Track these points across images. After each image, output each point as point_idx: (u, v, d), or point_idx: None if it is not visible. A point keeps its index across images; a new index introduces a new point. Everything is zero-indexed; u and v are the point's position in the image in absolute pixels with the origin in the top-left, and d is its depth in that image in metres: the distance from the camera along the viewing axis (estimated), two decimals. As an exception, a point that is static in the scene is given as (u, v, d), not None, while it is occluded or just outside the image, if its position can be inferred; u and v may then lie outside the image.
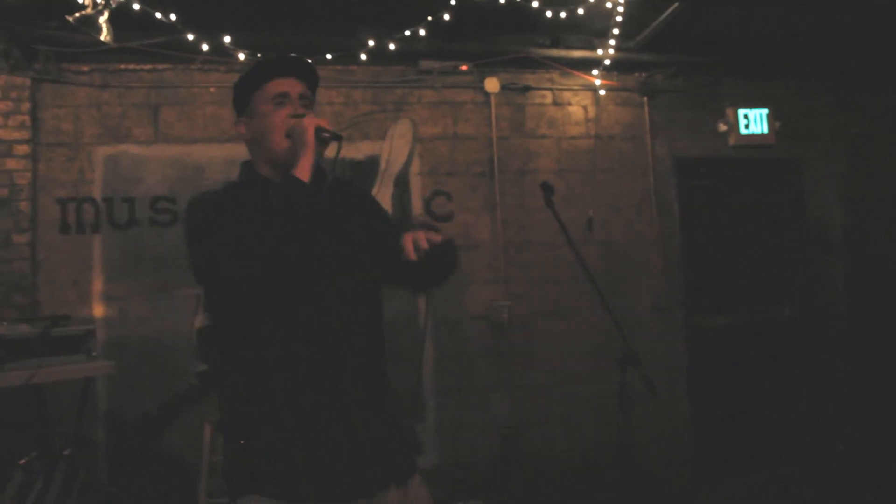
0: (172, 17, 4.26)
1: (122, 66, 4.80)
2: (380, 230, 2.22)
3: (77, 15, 4.01)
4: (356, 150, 5.06)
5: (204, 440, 4.38)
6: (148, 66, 4.82)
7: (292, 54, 2.15)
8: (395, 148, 5.13)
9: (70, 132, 4.72)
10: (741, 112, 5.71)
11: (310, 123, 1.98)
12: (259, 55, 4.60)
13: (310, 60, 2.18)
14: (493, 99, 5.29)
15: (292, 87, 2.09)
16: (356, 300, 2.07)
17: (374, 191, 5.04)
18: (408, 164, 5.15)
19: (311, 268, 1.96)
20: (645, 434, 5.12)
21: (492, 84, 5.23)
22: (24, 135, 4.61)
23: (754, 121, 5.73)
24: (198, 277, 2.00)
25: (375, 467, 1.95)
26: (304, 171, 1.93)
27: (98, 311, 4.67)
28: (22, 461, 3.33)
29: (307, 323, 1.97)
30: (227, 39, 4.49)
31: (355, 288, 2.08)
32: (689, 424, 5.61)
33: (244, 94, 2.14)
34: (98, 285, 4.70)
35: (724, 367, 5.85)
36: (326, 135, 2.02)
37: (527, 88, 5.38)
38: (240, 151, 4.93)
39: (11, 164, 4.59)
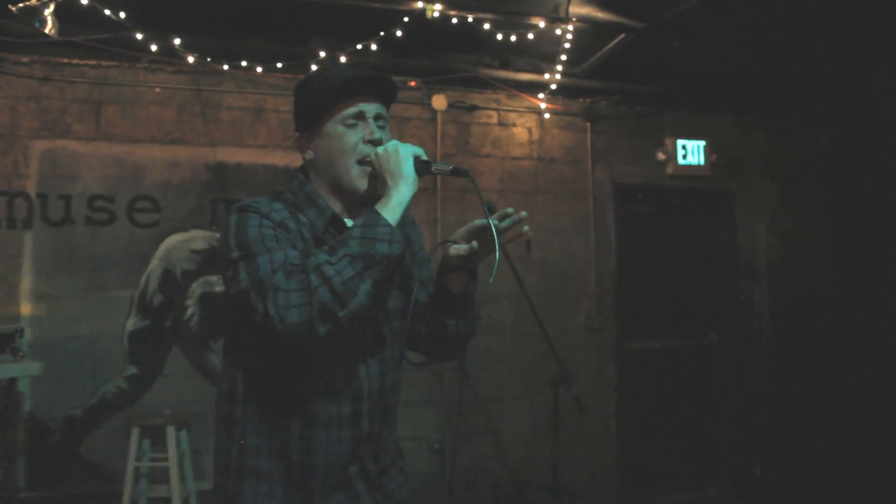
0: (121, 14, 4.19)
1: (65, 60, 4.70)
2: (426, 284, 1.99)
3: (21, 5, 3.91)
4: (301, 159, 5.03)
5: (130, 446, 4.30)
6: (92, 62, 4.73)
7: (374, 73, 1.85)
8: (340, 159, 5.11)
9: (6, 123, 4.60)
10: (680, 142, 5.88)
11: (406, 152, 1.69)
12: (209, 59, 4.57)
13: (389, 77, 1.88)
14: (439, 116, 5.34)
15: (370, 106, 1.81)
16: (393, 365, 1.87)
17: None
18: (352, 175, 5.14)
19: (366, 327, 1.75)
20: (573, 453, 5.22)
21: (439, 101, 5.29)
22: (-42, 124, 4.48)
23: (692, 151, 5.91)
24: (232, 302, 1.68)
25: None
26: (394, 209, 1.65)
27: (25, 309, 4.55)
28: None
29: (336, 380, 1.75)
30: (177, 41, 4.44)
31: (396, 352, 1.87)
32: (616, 445, 5.73)
33: (312, 109, 1.83)
34: (27, 283, 4.58)
35: (651, 389, 6.00)
36: (444, 170, 1.76)
37: (473, 108, 5.45)
38: (182, 154, 4.95)
39: (-58, 153, 4.45)
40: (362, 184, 1.78)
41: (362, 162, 1.76)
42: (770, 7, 4.46)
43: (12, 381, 3.88)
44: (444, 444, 5.19)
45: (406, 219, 1.93)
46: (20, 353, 3.63)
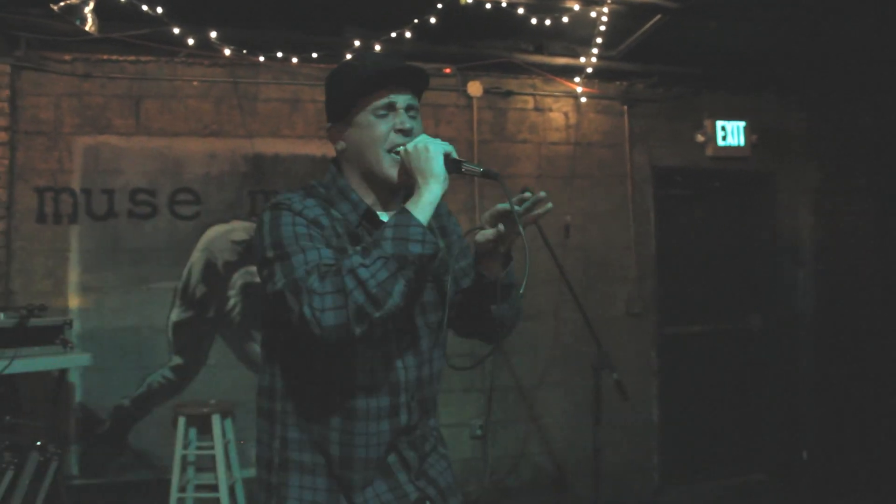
0: (159, 9, 4.24)
1: (105, 57, 4.77)
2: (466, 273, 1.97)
3: (62, 4, 3.97)
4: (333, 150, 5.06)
5: (177, 434, 4.38)
6: (131, 58, 4.80)
7: (405, 64, 1.83)
8: (376, 148, 5.13)
9: (50, 121, 4.69)
10: (719, 124, 5.79)
11: (436, 150, 1.68)
12: (245, 52, 4.60)
13: (419, 68, 1.87)
14: (475, 102, 5.32)
15: (400, 97, 1.79)
16: (430, 357, 1.87)
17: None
18: (389, 164, 5.15)
19: (401, 321, 1.75)
20: (614, 438, 5.19)
21: (475, 88, 5.27)
22: (3, 122, 4.57)
23: (731, 133, 5.82)
24: (268, 302, 1.70)
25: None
26: (425, 208, 1.63)
27: (73, 302, 4.66)
28: (-7, 451, 3.31)
29: (373, 374, 1.75)
30: (213, 34, 4.48)
31: (433, 344, 1.87)
32: (658, 430, 5.69)
33: (342, 102, 1.82)
34: (74, 276, 4.68)
35: (693, 373, 5.95)
36: (475, 170, 1.74)
37: (509, 93, 5.43)
38: (221, 146, 5.00)
39: (-12, 151, 4.55)
40: (394, 173, 1.77)
41: (392, 150, 1.76)
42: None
43: (63, 373, 3.97)
44: (485, 430, 5.21)
45: (440, 209, 1.92)
46: (70, 345, 3.70)
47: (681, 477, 5.78)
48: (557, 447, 5.36)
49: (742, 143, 5.84)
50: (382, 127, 1.76)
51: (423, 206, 1.63)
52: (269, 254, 1.66)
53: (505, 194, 1.68)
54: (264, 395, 1.83)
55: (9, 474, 3.36)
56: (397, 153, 1.75)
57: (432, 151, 1.67)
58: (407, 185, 1.76)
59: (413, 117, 1.81)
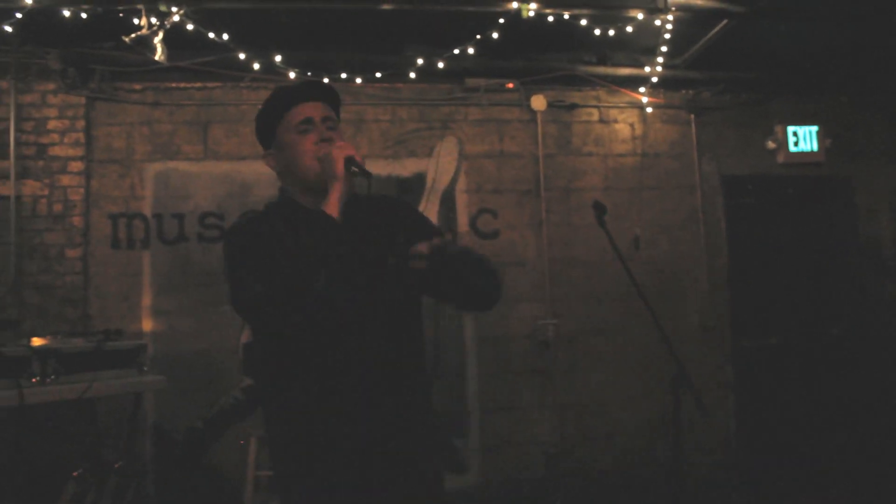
0: (225, 36, 4.32)
1: (174, 85, 4.89)
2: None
3: (133, 35, 4.09)
4: (402, 168, 5.09)
5: (249, 454, 4.40)
6: (198, 84, 4.90)
7: (310, 80, 2.20)
8: (441, 165, 5.14)
9: (122, 149, 4.82)
10: (790, 129, 5.62)
11: (339, 154, 1.91)
12: (309, 73, 4.65)
13: (326, 80, 2.16)
14: (539, 116, 5.28)
15: (315, 110, 2.02)
16: (391, 326, 2.00)
17: (420, 208, 5.06)
18: (454, 181, 5.16)
19: (345, 301, 1.86)
20: (690, 455, 5.04)
21: (538, 102, 5.23)
22: (79, 152, 4.73)
23: (804, 138, 5.64)
24: (235, 306, 1.94)
25: (397, 489, 1.95)
26: (333, 206, 1.89)
27: (147, 325, 4.75)
28: (75, 473, 3.37)
29: (343, 350, 1.91)
30: (277, 58, 4.54)
31: (391, 314, 2.00)
32: (735, 447, 5.51)
33: (267, 127, 2.09)
34: (147, 300, 4.77)
35: (770, 387, 5.74)
36: (356, 170, 1.94)
37: (573, 106, 5.37)
38: None
39: (66, 180, 4.70)
40: (321, 179, 1.95)
41: (319, 160, 1.96)
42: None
43: (138, 395, 4.03)
44: (558, 447, 5.11)
45: (382, 203, 2.16)
46: (145, 368, 3.76)
47: (761, 494, 5.57)
48: (631, 463, 5.23)
49: (815, 147, 5.65)
50: (305, 143, 1.99)
51: (331, 203, 1.90)
52: (226, 270, 1.97)
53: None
54: (265, 403, 2.11)
55: (91, 495, 3.42)
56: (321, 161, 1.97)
57: (334, 157, 1.91)
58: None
59: (331, 128, 2.02)
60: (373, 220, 2.05)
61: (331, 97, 2.10)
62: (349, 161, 1.92)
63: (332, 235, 1.85)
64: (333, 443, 1.90)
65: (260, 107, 2.12)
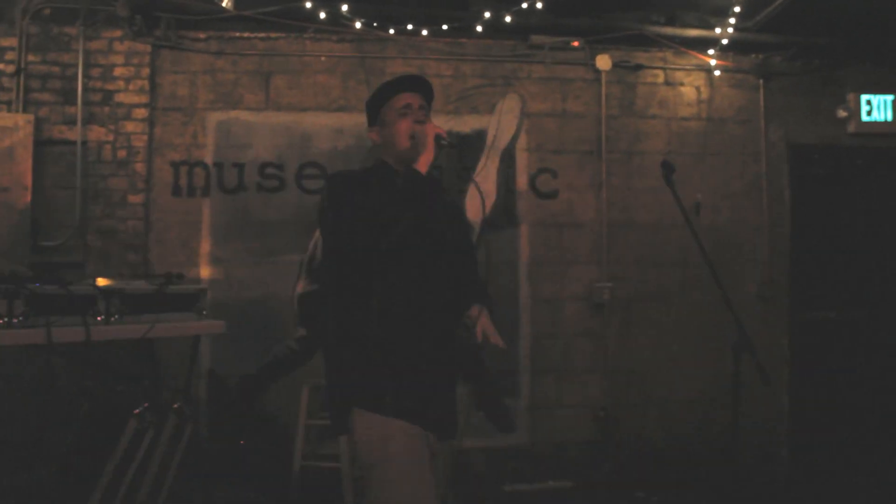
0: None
1: (237, 34, 4.89)
2: (462, 239, 2.70)
3: (200, -19, 4.09)
4: (463, 124, 5.04)
5: (301, 403, 4.46)
6: (262, 35, 4.90)
7: (412, 74, 2.66)
8: (502, 123, 5.08)
9: (185, 97, 4.85)
10: (864, 98, 5.43)
11: (430, 130, 2.41)
12: (375, 25, 4.60)
13: (427, 80, 2.61)
14: (603, 76, 5.18)
15: (413, 99, 2.53)
16: (445, 270, 2.50)
17: (480, 165, 5.02)
18: (514, 139, 5.10)
19: (416, 239, 2.36)
20: (742, 428, 4.97)
21: (603, 61, 5.12)
22: (143, 99, 4.77)
23: (878, 107, 5.45)
24: (332, 242, 2.43)
25: (446, 417, 2.46)
26: (422, 166, 2.37)
27: (204, 272, 4.81)
28: (136, 411, 3.44)
29: (407, 286, 2.38)
30: (344, 8, 4.51)
31: (444, 258, 2.51)
32: (788, 421, 5.42)
33: (374, 109, 2.60)
34: (205, 247, 4.83)
35: (827, 362, 5.61)
36: (444, 142, 2.44)
37: (638, 67, 5.25)
38: (347, 121, 5.06)
39: (130, 126, 4.75)
40: (413, 152, 2.43)
41: (411, 137, 2.46)
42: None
43: (197, 339, 4.09)
44: (608, 412, 5.08)
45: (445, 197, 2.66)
46: (205, 312, 3.80)
47: (811, 471, 5.48)
48: (682, 432, 5.18)
49: (890, 117, 5.45)
50: (404, 123, 2.49)
51: (420, 164, 2.37)
52: (326, 211, 2.44)
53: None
54: (330, 333, 2.51)
55: (150, 433, 3.49)
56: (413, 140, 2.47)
57: (427, 132, 2.41)
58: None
59: (425, 115, 2.54)
60: (443, 205, 2.57)
61: (427, 90, 2.59)
62: (438, 137, 2.42)
63: (418, 182, 2.34)
64: (386, 368, 2.34)
65: (372, 95, 2.60)
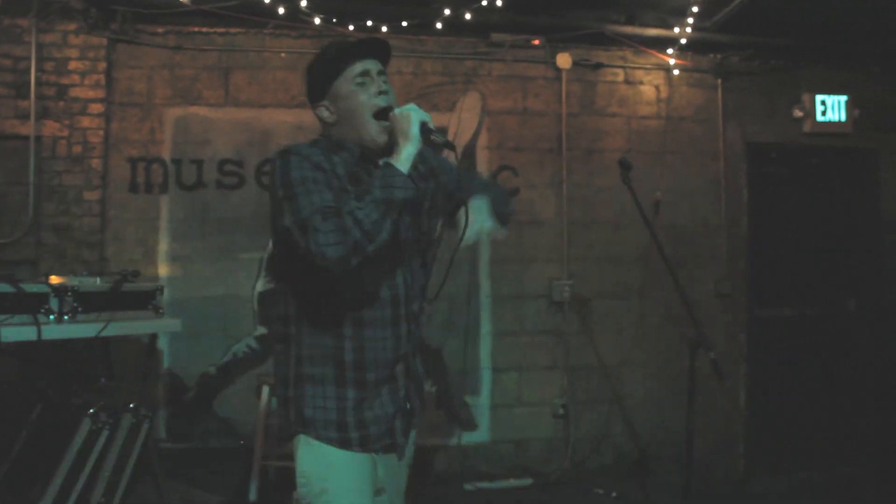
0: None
1: (196, 29, 4.84)
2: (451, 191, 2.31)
3: (157, -25, 4.02)
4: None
5: (260, 402, 4.42)
6: (221, 29, 4.85)
7: (367, 38, 2.17)
8: (463, 120, 5.08)
9: (143, 92, 4.79)
10: (818, 98, 5.52)
11: (413, 115, 1.97)
12: (334, 20, 4.58)
13: (381, 38, 2.19)
14: (564, 75, 5.20)
15: (371, 64, 2.10)
16: (421, 272, 2.18)
17: (440, 163, 5.01)
18: (475, 137, 5.10)
19: (394, 247, 2.01)
20: (699, 423, 5.03)
21: (563, 60, 5.15)
22: (99, 94, 4.69)
23: (832, 108, 5.55)
24: (278, 235, 2.01)
25: (406, 426, 2.15)
26: (404, 163, 1.95)
27: (162, 269, 4.76)
28: (90, 411, 3.39)
29: (378, 290, 2.04)
30: (303, 3, 4.47)
31: (424, 262, 2.20)
32: (745, 417, 5.50)
33: (322, 80, 2.13)
34: (163, 245, 4.78)
35: (783, 358, 5.70)
36: (438, 140, 2.03)
37: (599, 65, 5.28)
38: (308, 118, 4.93)
39: (86, 122, 4.67)
40: (382, 138, 2.06)
41: (379, 116, 2.04)
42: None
43: (153, 338, 4.05)
44: (567, 409, 5.12)
45: (426, 153, 2.15)
46: (161, 311, 3.76)
47: (767, 465, 5.57)
48: (641, 429, 5.24)
49: (843, 118, 5.56)
50: (363, 95, 2.07)
51: (402, 161, 1.94)
52: (280, 193, 1.93)
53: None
54: (280, 321, 2.11)
55: (104, 434, 3.45)
56: (384, 119, 2.04)
57: (413, 118, 1.97)
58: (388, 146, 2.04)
59: (385, 81, 2.11)
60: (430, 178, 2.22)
61: (384, 55, 2.17)
62: (425, 127, 1.99)
63: (402, 189, 1.91)
64: (350, 385, 2.04)
65: (314, 61, 2.16)
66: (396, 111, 2.00)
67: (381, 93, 2.07)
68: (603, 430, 5.21)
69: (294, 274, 2.06)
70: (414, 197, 1.95)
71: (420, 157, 2.02)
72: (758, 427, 5.57)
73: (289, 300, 2.08)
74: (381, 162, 1.99)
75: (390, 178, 1.90)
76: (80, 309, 3.35)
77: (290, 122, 4.89)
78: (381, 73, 2.11)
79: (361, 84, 2.07)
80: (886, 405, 5.73)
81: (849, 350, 5.84)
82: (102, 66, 4.70)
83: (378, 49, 2.14)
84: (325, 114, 2.12)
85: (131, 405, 3.61)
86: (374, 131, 2.06)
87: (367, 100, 2.06)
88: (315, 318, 2.05)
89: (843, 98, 5.56)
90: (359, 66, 2.08)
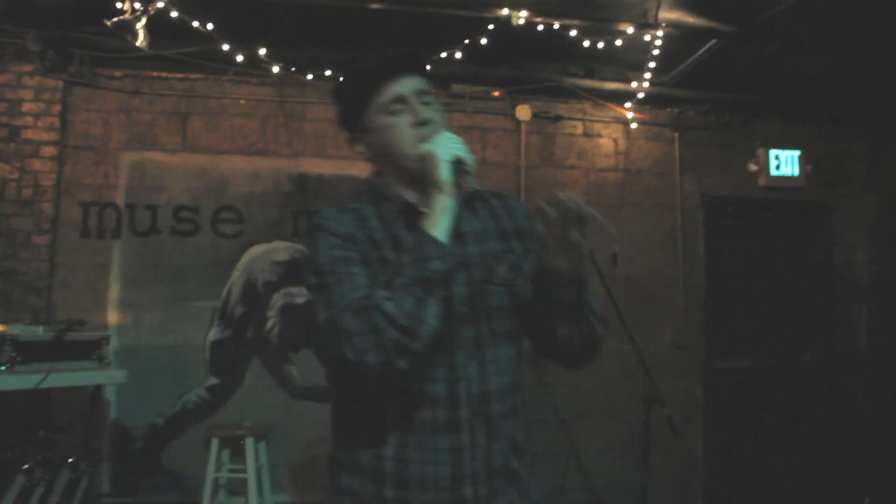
0: (209, 25, 4.24)
1: (154, 74, 4.80)
2: (529, 266, 1.76)
3: (115, 20, 3.98)
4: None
5: (210, 456, 4.30)
6: (179, 75, 4.81)
7: (395, 52, 1.68)
8: (422, 170, 5.06)
9: (98, 136, 4.72)
10: (772, 153, 5.63)
11: (442, 152, 1.55)
12: (293, 69, 4.58)
13: (416, 51, 1.72)
14: (523, 126, 5.24)
15: (406, 85, 1.65)
16: (498, 368, 1.67)
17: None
18: (434, 187, 5.08)
19: (445, 330, 1.56)
20: (657, 476, 5.00)
21: (523, 112, 5.19)
22: (53, 136, 4.62)
23: (785, 162, 5.65)
24: (318, 333, 1.70)
25: None
26: (438, 225, 1.52)
27: (112, 317, 4.64)
28: (24, 466, 3.25)
29: (432, 386, 1.60)
30: (262, 52, 4.46)
31: (501, 353, 1.68)
32: (703, 469, 5.47)
33: (353, 109, 1.72)
34: (114, 291, 4.67)
35: (741, 410, 5.71)
36: (468, 170, 1.57)
37: (558, 118, 5.33)
38: (265, 165, 4.97)
39: (38, 164, 4.59)
40: (425, 172, 1.59)
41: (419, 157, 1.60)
42: (868, 9, 4.21)
43: (98, 389, 3.93)
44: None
45: (519, 212, 1.82)
46: (106, 361, 3.66)
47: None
48: (598, 482, 5.18)
49: (796, 172, 5.66)
50: (400, 126, 1.64)
51: (436, 219, 1.53)
52: (312, 280, 1.59)
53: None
54: (332, 414, 1.75)
55: (39, 490, 3.31)
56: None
57: (438, 158, 1.54)
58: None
59: (427, 103, 1.66)
60: (490, 226, 1.76)
61: (423, 66, 1.71)
62: (459, 164, 1.55)
63: (437, 266, 1.49)
64: (405, 470, 1.59)
65: (340, 85, 1.76)
66: (422, 148, 1.59)
67: (418, 124, 1.63)
68: (561, 483, 5.14)
69: (338, 366, 1.67)
70: (456, 265, 1.55)
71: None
72: (717, 480, 5.54)
73: (338, 394, 1.73)
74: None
75: (420, 248, 1.51)
76: (18, 359, 3.25)
77: (248, 169, 4.85)
78: (420, 92, 1.66)
79: (397, 112, 1.64)
80: (845, 457, 5.75)
81: (805, 401, 5.87)
82: (57, 108, 4.63)
83: (413, 63, 1.69)
84: (362, 150, 1.74)
85: (70, 459, 3.47)
86: (416, 167, 1.61)
87: (402, 135, 1.64)
88: (357, 413, 1.68)
89: (797, 153, 5.67)
90: (390, 92, 1.65)
